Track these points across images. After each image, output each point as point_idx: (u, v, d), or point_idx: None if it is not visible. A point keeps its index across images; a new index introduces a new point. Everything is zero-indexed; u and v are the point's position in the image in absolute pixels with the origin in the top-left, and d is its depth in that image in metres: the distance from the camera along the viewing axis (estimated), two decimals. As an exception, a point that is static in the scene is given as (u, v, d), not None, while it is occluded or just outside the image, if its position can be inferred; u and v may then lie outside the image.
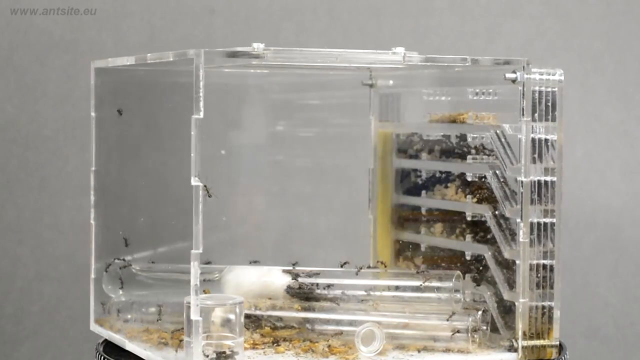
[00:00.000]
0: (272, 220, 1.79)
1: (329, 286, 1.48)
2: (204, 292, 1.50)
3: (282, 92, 1.75)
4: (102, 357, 1.46)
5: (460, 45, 2.16)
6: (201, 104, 1.28)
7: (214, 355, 1.30)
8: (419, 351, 1.43)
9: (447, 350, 1.43)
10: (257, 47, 1.42)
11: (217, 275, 1.52)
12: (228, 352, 1.31)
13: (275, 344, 1.45)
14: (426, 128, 1.62)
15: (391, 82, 1.67)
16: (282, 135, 1.77)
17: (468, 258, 1.51)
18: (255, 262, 1.59)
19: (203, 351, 1.29)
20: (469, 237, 1.51)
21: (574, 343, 2.09)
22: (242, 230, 1.76)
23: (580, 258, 2.16)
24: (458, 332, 1.42)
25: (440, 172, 1.59)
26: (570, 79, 2.18)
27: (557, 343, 1.45)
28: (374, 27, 2.15)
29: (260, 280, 1.52)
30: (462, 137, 1.54)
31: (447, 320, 1.43)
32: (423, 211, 1.62)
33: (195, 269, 1.27)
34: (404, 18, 2.16)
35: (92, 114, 1.58)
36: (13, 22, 2.15)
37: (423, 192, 1.61)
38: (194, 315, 1.27)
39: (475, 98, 1.51)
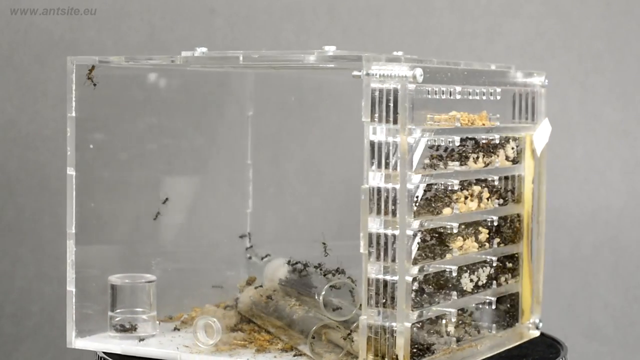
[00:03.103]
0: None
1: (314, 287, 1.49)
2: (249, 277, 1.63)
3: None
4: (102, 358, 1.46)
5: (460, 45, 2.16)
6: (73, 105, 1.46)
7: (119, 326, 1.49)
8: (277, 349, 1.44)
9: (300, 354, 1.41)
10: (200, 50, 1.41)
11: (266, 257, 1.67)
12: (128, 325, 1.49)
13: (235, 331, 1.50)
14: None
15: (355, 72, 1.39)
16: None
17: None
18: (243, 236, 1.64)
19: (115, 324, 1.49)
20: None
21: (574, 343, 2.09)
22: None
23: (580, 258, 2.17)
24: (303, 334, 1.42)
25: None
26: (570, 79, 2.18)
27: None
28: (374, 27, 2.15)
29: (270, 271, 1.58)
30: None
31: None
32: None
33: (70, 247, 1.48)
34: (404, 18, 2.16)
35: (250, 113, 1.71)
36: (13, 22, 2.15)
37: None
38: (69, 287, 1.47)
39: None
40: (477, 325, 1.46)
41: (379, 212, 1.27)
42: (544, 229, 1.56)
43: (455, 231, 1.34)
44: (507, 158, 1.46)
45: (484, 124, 1.42)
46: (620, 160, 2.17)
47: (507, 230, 1.47)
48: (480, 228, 1.42)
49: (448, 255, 1.34)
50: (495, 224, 1.43)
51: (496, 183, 1.43)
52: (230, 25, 2.16)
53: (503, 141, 1.45)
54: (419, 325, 1.32)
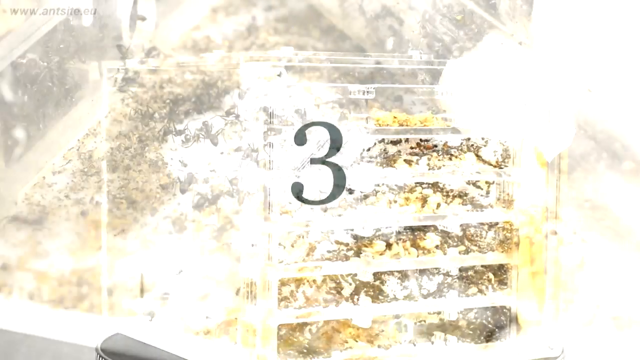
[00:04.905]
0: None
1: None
2: None
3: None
4: (102, 358, 1.46)
5: (460, 45, 2.16)
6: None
7: (137, 308, 1.58)
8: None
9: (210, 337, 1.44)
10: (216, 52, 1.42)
11: None
12: (145, 311, 1.57)
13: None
14: None
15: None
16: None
17: None
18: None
19: (143, 310, 1.57)
20: None
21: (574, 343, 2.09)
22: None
23: (580, 258, 2.17)
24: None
25: None
26: (570, 79, 2.18)
27: None
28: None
29: None
30: None
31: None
32: None
33: (103, 235, 1.60)
34: (403, 18, 2.16)
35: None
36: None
37: None
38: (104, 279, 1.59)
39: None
40: (435, 335, 1.42)
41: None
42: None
43: (367, 235, 1.31)
44: (483, 161, 1.41)
45: (425, 126, 1.37)
46: (620, 160, 2.17)
47: (481, 238, 1.44)
48: (424, 234, 1.38)
49: (354, 258, 1.32)
50: (451, 230, 1.38)
51: (455, 187, 1.38)
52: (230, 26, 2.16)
53: (479, 144, 1.41)
54: (313, 328, 1.32)
